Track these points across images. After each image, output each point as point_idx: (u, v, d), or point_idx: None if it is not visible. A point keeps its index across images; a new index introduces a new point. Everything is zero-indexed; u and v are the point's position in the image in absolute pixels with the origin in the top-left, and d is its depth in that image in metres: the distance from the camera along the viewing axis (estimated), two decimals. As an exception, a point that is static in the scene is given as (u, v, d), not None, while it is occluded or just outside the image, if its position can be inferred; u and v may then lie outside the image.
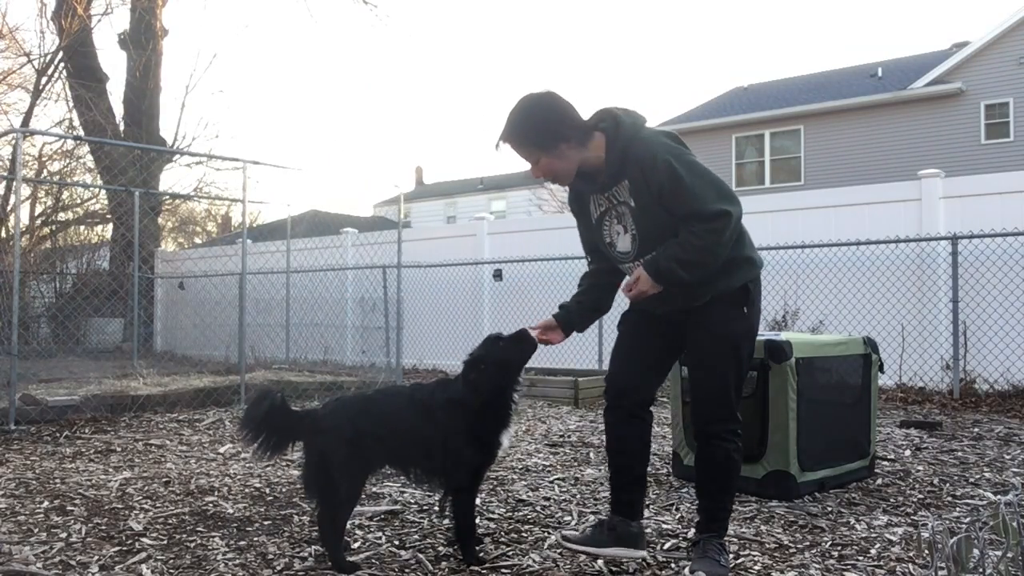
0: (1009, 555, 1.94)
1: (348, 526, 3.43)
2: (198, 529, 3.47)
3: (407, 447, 2.97)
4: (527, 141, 2.78)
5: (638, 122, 2.82)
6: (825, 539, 3.27)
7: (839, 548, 3.16)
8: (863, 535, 3.33)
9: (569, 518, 3.60)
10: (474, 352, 3.01)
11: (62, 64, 16.90)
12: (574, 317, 3.09)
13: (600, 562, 2.96)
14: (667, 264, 2.71)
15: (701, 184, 2.69)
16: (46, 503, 3.91)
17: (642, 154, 2.71)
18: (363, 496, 3.97)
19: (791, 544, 3.22)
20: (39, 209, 17.65)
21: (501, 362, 2.94)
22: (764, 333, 4.44)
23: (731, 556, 3.05)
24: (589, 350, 10.24)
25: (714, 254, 2.69)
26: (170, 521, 3.59)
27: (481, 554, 3.03)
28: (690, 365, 2.97)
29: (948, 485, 4.18)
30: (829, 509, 3.73)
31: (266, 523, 3.57)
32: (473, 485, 3.01)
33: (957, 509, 3.73)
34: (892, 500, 3.89)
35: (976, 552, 1.95)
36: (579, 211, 3.02)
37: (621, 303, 3.02)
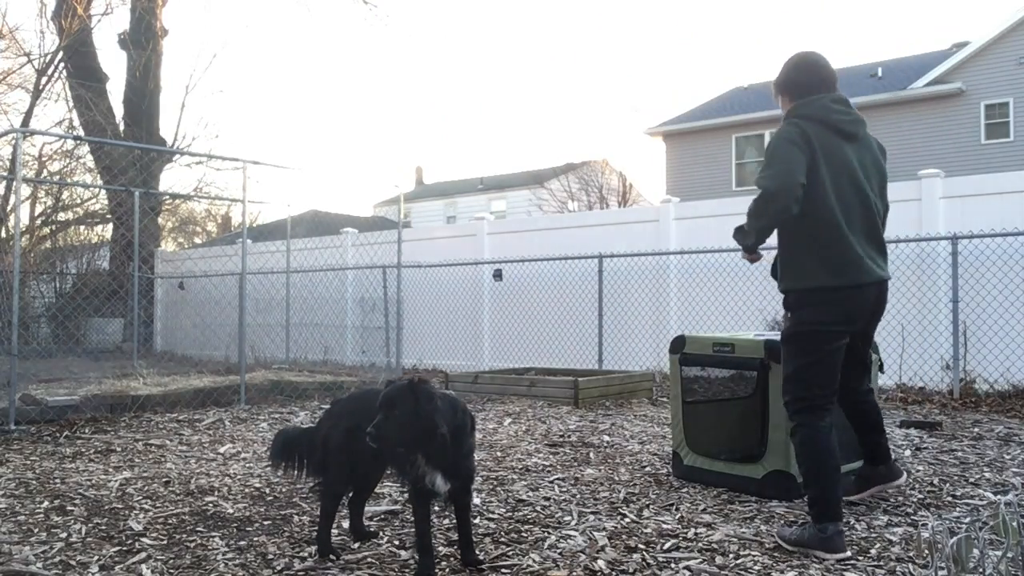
0: (1009, 555, 1.94)
1: (347, 526, 3.43)
2: (198, 529, 3.47)
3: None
4: (774, 83, 3.52)
5: (802, 111, 3.30)
6: (825, 539, 3.27)
7: (839, 548, 3.16)
8: (863, 535, 3.33)
9: (569, 518, 3.60)
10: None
11: (62, 64, 16.89)
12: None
13: (600, 562, 2.96)
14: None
15: (770, 159, 3.20)
16: (46, 503, 3.91)
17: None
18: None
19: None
20: (39, 209, 17.66)
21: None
22: (764, 333, 4.45)
23: (731, 556, 3.06)
24: (589, 350, 10.25)
25: (751, 219, 3.25)
26: (170, 521, 3.60)
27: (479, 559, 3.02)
28: None
29: (948, 485, 4.18)
30: (829, 509, 3.73)
31: (266, 523, 3.57)
32: (417, 498, 2.86)
33: (957, 509, 3.72)
34: (892, 500, 3.89)
35: (976, 552, 1.95)
36: None
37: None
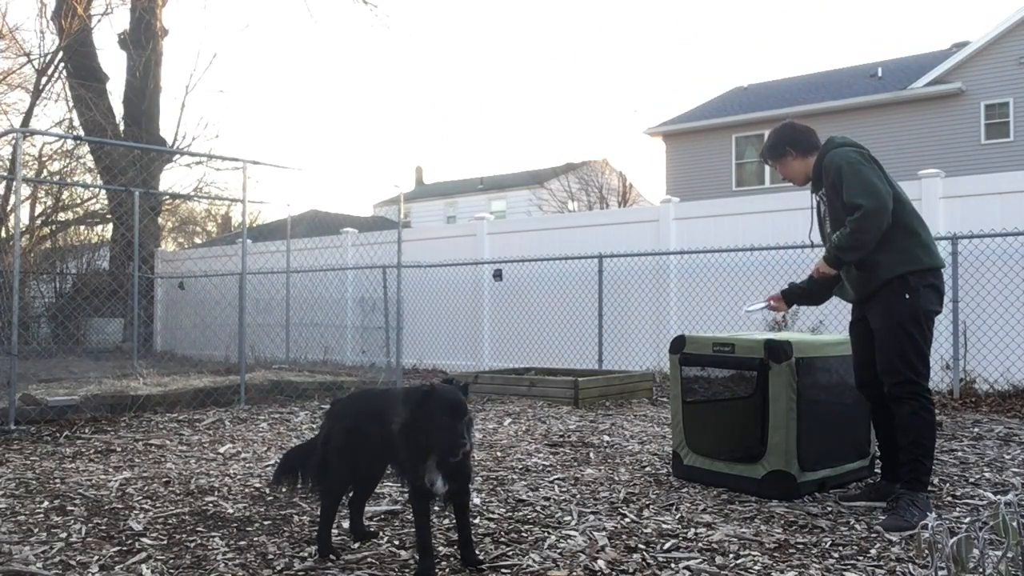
0: (1009, 555, 1.94)
1: (347, 526, 3.43)
2: (198, 529, 3.47)
3: (387, 447, 2.95)
4: (766, 151, 4.04)
5: (839, 141, 3.78)
6: (825, 539, 3.27)
7: (839, 548, 3.16)
8: (863, 535, 3.33)
9: (569, 518, 3.60)
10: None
11: (62, 64, 16.88)
12: (793, 297, 4.02)
13: (600, 562, 2.96)
14: (831, 248, 3.64)
15: (854, 180, 3.55)
16: (46, 503, 3.91)
17: (827, 160, 3.72)
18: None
19: (791, 544, 3.22)
20: (39, 209, 17.62)
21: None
22: (764, 333, 4.44)
23: (731, 556, 3.06)
24: (589, 350, 10.24)
25: (857, 239, 3.51)
26: (170, 521, 3.60)
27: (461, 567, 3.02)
28: (875, 346, 3.69)
29: (948, 485, 4.18)
30: (829, 509, 3.73)
31: (266, 523, 3.57)
32: (417, 498, 2.84)
33: (957, 509, 3.72)
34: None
35: (976, 552, 1.95)
36: (814, 206, 4.01)
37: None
